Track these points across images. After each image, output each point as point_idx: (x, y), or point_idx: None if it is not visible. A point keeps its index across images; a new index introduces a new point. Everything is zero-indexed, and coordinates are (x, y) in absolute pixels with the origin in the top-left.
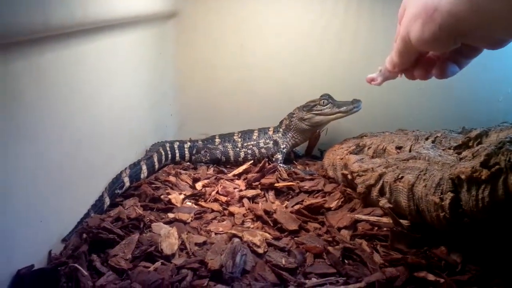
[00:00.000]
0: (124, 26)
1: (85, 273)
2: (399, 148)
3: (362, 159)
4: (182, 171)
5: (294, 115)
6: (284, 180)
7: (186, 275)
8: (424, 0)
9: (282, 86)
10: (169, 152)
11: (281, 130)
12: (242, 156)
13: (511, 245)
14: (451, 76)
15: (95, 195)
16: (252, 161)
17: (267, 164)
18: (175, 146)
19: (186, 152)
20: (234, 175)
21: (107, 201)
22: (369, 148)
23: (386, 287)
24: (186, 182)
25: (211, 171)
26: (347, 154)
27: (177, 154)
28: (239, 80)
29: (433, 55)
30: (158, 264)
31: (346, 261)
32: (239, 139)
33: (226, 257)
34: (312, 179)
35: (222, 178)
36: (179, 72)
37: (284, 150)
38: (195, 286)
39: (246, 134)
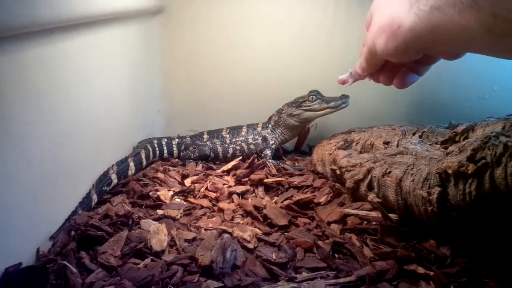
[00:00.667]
0: (108, 22)
1: (74, 270)
2: (386, 143)
3: (351, 154)
4: (171, 168)
5: (283, 111)
6: (273, 175)
7: (176, 271)
8: (390, 15)
9: (271, 82)
10: (157, 149)
11: (270, 126)
12: (230, 152)
13: (498, 238)
14: (410, 85)
15: (81, 193)
16: (241, 157)
17: (256, 160)
18: (163, 142)
19: (175, 148)
20: (223, 171)
21: (95, 198)
22: (357, 143)
23: (376, 280)
24: (175, 178)
25: (199, 167)
26: (335, 150)
27: (165, 151)
28: (227, 77)
29: (396, 62)
30: (147, 260)
31: (336, 255)
32: (228, 135)
33: (216, 253)
34: (301, 175)
35: (211, 175)
36: (166, 69)
37: (273, 146)
38: (186, 282)
39: (234, 130)
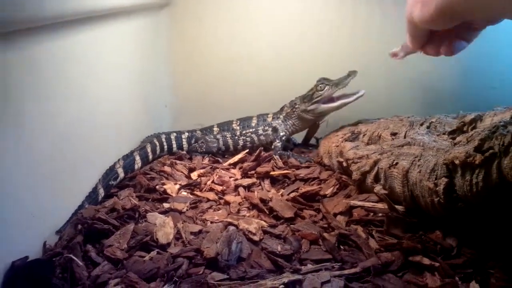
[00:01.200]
0: (116, 16)
1: (80, 263)
2: (394, 134)
3: (357, 146)
4: (178, 161)
5: (297, 106)
6: (279, 168)
7: (182, 263)
8: None
9: (279, 76)
10: (165, 143)
11: (281, 117)
12: (241, 144)
13: (505, 229)
14: (459, 52)
15: (88, 187)
16: (247, 150)
17: (262, 153)
18: (172, 137)
19: (184, 142)
20: (229, 164)
21: (102, 192)
22: (364, 135)
23: (382, 271)
24: (182, 172)
25: (206, 160)
26: (342, 142)
27: (174, 145)
28: (234, 70)
29: (443, 32)
30: (153, 253)
31: (341, 247)
32: (238, 127)
33: (222, 245)
34: (307, 167)
35: (218, 168)
36: (173, 63)
37: (283, 138)
38: (191, 274)
39: (245, 122)
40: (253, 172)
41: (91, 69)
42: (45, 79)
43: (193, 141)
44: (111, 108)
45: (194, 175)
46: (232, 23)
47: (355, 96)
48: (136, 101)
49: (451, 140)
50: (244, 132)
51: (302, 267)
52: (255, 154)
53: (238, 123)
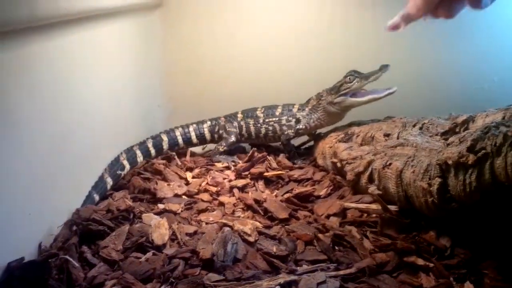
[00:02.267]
0: (109, 16)
1: (76, 264)
2: (387, 135)
3: (351, 147)
4: (172, 163)
5: (323, 98)
6: (273, 169)
7: (178, 264)
8: None
9: (272, 76)
10: (179, 138)
11: (306, 109)
12: (263, 132)
13: (498, 229)
14: (485, 7)
15: (85, 187)
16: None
17: (256, 153)
18: (190, 129)
19: (206, 131)
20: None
21: (109, 181)
22: (357, 136)
23: (376, 272)
24: (176, 173)
25: (203, 161)
26: (336, 143)
27: (193, 137)
28: (228, 70)
29: None
30: (149, 254)
31: (336, 248)
32: (262, 115)
33: (217, 246)
34: (301, 168)
35: (212, 169)
36: (166, 63)
37: (300, 131)
38: (187, 275)
39: (269, 110)
40: (247, 173)
41: (85, 68)
42: (39, 79)
43: (217, 129)
44: (105, 108)
45: (188, 176)
46: (225, 23)
47: (386, 92)
48: (130, 100)
49: (443, 141)
50: (267, 120)
51: (298, 267)
52: (249, 154)
53: (262, 110)
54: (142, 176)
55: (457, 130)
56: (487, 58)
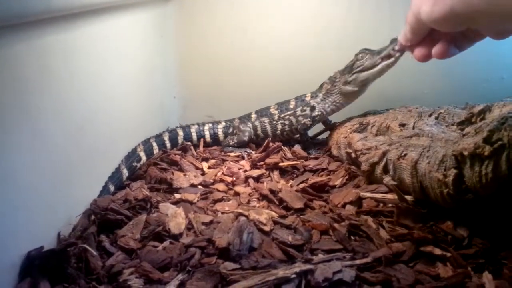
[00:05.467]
0: (124, 8)
1: (95, 253)
2: (402, 125)
3: (366, 137)
4: (188, 153)
5: (337, 80)
6: (288, 159)
7: (194, 253)
8: None
9: (286, 65)
10: (193, 134)
11: (320, 95)
12: (279, 129)
13: None
14: (449, 57)
15: (102, 177)
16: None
17: (270, 144)
18: (206, 128)
19: (220, 132)
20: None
21: (125, 172)
22: (372, 126)
23: (393, 262)
24: (192, 163)
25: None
26: (350, 133)
27: (208, 136)
28: (243, 61)
29: (438, 34)
30: (166, 243)
31: (352, 237)
32: (276, 111)
33: (233, 235)
34: (316, 158)
35: (227, 160)
36: (181, 54)
37: (316, 118)
38: (204, 264)
39: (283, 105)
40: (262, 163)
41: (100, 61)
42: (54, 71)
43: (231, 130)
44: (120, 100)
45: (204, 167)
46: (240, 14)
47: (395, 57)
48: (145, 92)
49: (459, 131)
50: (282, 115)
51: (313, 257)
52: (264, 145)
53: (276, 108)
54: (158, 166)
55: (473, 120)
56: (506, 47)
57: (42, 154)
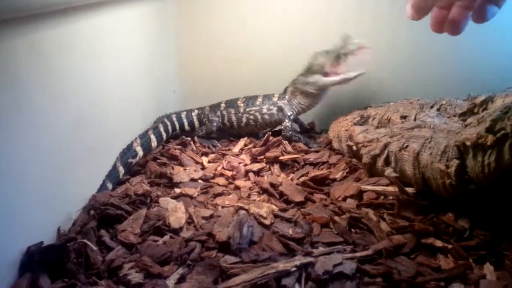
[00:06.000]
0: (124, 2)
1: (94, 248)
2: (404, 117)
3: (367, 129)
4: (187, 147)
5: (297, 81)
6: (288, 153)
7: (195, 247)
8: None
9: (287, 60)
10: (176, 123)
11: (286, 97)
12: (244, 122)
13: None
14: (491, 19)
15: (102, 172)
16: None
17: (271, 137)
18: (182, 116)
19: (195, 119)
20: (239, 150)
21: (122, 170)
22: (373, 118)
23: (394, 254)
24: (191, 157)
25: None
26: (351, 125)
27: (186, 123)
28: (243, 56)
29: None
30: (166, 237)
31: (353, 230)
32: (242, 104)
33: (233, 229)
34: (316, 151)
35: (227, 154)
36: (181, 48)
37: (291, 117)
38: (204, 258)
39: (250, 100)
40: (262, 157)
41: (99, 55)
42: (54, 65)
43: (202, 117)
44: (120, 94)
45: (204, 161)
46: (240, 9)
47: (357, 73)
48: (145, 86)
49: (462, 122)
50: (247, 109)
51: (314, 250)
52: (264, 139)
53: (243, 100)
54: (158, 161)
55: (475, 110)
56: (506, 38)
57: (41, 150)
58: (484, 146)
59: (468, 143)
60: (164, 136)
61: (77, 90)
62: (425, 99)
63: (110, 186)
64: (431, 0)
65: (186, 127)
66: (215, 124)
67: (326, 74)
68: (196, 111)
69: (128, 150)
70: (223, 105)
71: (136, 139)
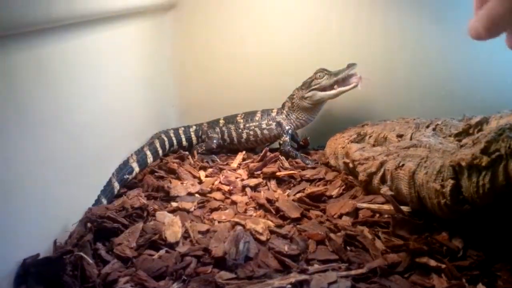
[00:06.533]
0: (123, 18)
1: (91, 261)
2: (400, 136)
3: (363, 147)
4: (185, 161)
5: (295, 96)
6: (285, 169)
7: (190, 262)
8: None
9: (283, 75)
10: (173, 138)
11: (284, 111)
12: (244, 137)
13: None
14: None
15: (99, 186)
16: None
17: (268, 153)
18: (180, 131)
19: (193, 135)
20: (238, 165)
21: (117, 185)
22: (370, 136)
23: (388, 272)
24: (189, 171)
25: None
26: (348, 143)
27: (184, 139)
28: (239, 71)
29: None
30: (162, 252)
31: (348, 248)
32: (242, 120)
33: (229, 245)
34: (313, 168)
35: (225, 168)
36: (179, 64)
37: (289, 131)
38: (199, 273)
39: (249, 116)
40: (259, 172)
41: (100, 70)
42: (54, 80)
43: (200, 134)
44: (119, 108)
45: (201, 175)
46: (236, 24)
47: (352, 85)
48: (144, 101)
49: (457, 142)
50: (247, 125)
51: (309, 267)
52: (261, 154)
53: (242, 116)
54: (156, 174)
55: (470, 131)
56: (501, 59)
57: (40, 162)
58: (479, 167)
59: (463, 164)
60: (160, 152)
61: (77, 105)
62: (420, 118)
63: (104, 201)
64: None
65: (184, 143)
66: (215, 141)
67: (322, 89)
68: (194, 127)
69: (124, 166)
70: (222, 121)
71: (132, 155)
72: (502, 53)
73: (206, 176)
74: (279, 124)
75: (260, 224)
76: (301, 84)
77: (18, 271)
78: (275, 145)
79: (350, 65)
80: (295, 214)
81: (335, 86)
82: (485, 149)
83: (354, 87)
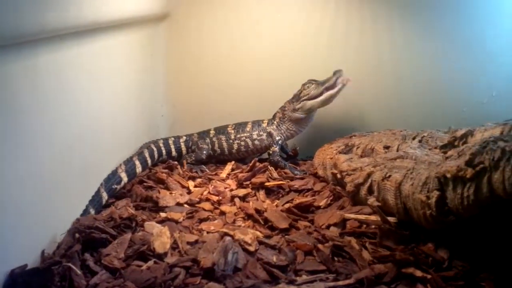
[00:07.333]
0: (116, 29)
1: (79, 272)
2: (387, 147)
3: (351, 158)
4: (174, 171)
5: (286, 108)
6: (274, 179)
7: (179, 273)
8: None
9: (274, 86)
10: (163, 149)
11: (275, 122)
12: (235, 148)
13: (496, 241)
14: None
15: (87, 196)
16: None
17: (257, 163)
18: (170, 142)
19: (182, 146)
20: (227, 176)
21: (105, 195)
22: (357, 147)
23: (375, 283)
24: (178, 181)
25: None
26: (336, 154)
27: (173, 149)
28: (231, 81)
29: None
30: (150, 263)
31: (335, 258)
32: (233, 131)
33: (218, 255)
34: (302, 178)
35: (214, 179)
36: (170, 74)
37: (279, 142)
38: (188, 284)
39: (240, 126)
40: (248, 182)
41: (91, 80)
42: (47, 90)
43: (190, 144)
44: (110, 118)
45: (190, 185)
46: (229, 34)
47: (337, 88)
48: (134, 111)
49: (442, 154)
50: (238, 136)
51: (297, 277)
52: (250, 165)
53: (233, 127)
54: (144, 184)
55: (456, 143)
56: (486, 73)
57: (29, 171)
58: (463, 179)
59: (448, 175)
60: (149, 161)
61: (68, 115)
62: (407, 130)
63: (92, 211)
64: None
65: (173, 153)
66: (205, 152)
67: (313, 98)
68: (184, 138)
69: (113, 176)
70: (212, 132)
71: (120, 165)
72: (488, 66)
73: (195, 186)
74: (269, 134)
75: (249, 234)
76: (292, 97)
77: (6, 282)
78: (264, 155)
79: (336, 72)
80: (283, 225)
81: (324, 92)
82: (469, 161)
83: (342, 88)
